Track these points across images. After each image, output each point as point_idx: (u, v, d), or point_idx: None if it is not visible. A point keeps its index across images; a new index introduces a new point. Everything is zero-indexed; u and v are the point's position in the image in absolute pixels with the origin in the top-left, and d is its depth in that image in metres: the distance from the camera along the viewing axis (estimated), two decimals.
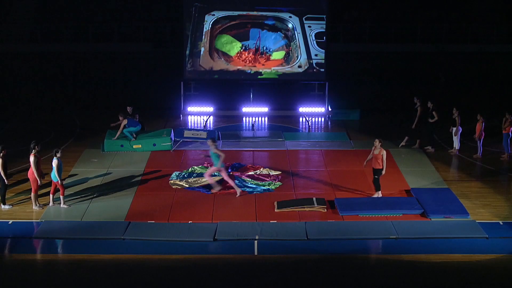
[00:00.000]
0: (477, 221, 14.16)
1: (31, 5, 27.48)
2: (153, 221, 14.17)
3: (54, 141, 19.24)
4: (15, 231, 13.81)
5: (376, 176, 15.32)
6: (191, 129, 20.32)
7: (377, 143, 15.22)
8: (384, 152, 15.20)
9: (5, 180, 14.64)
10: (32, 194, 14.74)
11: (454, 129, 18.81)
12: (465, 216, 14.40)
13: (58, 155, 14.58)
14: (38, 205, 14.79)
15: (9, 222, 14.16)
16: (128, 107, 19.33)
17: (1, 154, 14.51)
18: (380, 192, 15.46)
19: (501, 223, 14.15)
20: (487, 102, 23.37)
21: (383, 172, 15.28)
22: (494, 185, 16.59)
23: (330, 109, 23.47)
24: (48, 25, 26.24)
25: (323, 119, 23.33)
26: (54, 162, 14.47)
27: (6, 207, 14.80)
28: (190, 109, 23.49)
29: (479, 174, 17.55)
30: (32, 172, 14.52)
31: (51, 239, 13.37)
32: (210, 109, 23.46)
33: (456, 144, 19.04)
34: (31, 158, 14.48)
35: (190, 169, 17.40)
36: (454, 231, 13.65)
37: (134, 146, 18.92)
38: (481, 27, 26.68)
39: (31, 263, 12.70)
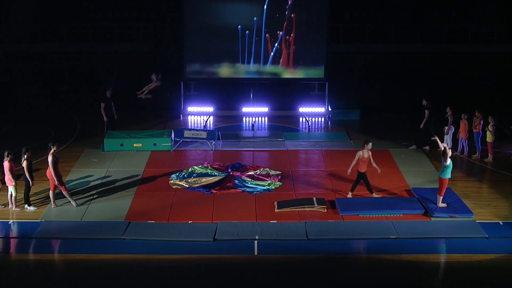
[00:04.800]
0: (477, 221, 14.16)
1: (31, 5, 27.46)
2: (153, 221, 14.18)
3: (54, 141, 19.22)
4: (15, 231, 13.83)
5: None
6: (191, 129, 20.32)
7: (370, 146, 15.09)
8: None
9: (30, 182, 14.68)
10: (51, 192, 14.79)
11: (446, 128, 18.89)
12: (469, 215, 14.41)
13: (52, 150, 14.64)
14: (55, 204, 14.84)
15: (9, 222, 14.17)
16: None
17: (25, 156, 14.59)
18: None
19: (501, 223, 14.15)
20: (487, 102, 23.34)
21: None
22: (494, 185, 16.59)
23: (330, 109, 23.48)
24: (48, 25, 26.23)
25: (323, 119, 23.34)
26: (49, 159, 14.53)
27: (32, 208, 14.79)
28: (190, 109, 23.51)
29: (479, 174, 17.56)
30: (50, 172, 14.54)
31: (51, 239, 13.37)
32: (210, 109, 23.48)
33: (447, 143, 19.09)
34: (49, 158, 14.50)
35: (190, 169, 17.40)
36: (454, 231, 13.65)
37: (134, 145, 18.95)
38: (481, 27, 26.68)
39: (31, 263, 12.71)
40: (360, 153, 15.08)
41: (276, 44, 22.57)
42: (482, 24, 27.06)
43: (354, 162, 15.17)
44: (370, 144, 15.14)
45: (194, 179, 16.60)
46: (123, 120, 21.07)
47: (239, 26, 22.42)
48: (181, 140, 19.47)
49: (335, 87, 23.86)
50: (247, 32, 22.47)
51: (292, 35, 22.47)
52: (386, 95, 25.61)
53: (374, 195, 15.50)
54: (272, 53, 22.68)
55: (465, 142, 18.64)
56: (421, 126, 19.06)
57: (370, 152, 15.10)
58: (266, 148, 19.53)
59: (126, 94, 20.94)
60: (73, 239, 13.38)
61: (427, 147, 19.27)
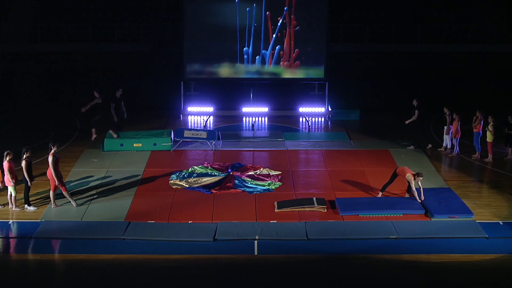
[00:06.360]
0: (477, 221, 14.16)
1: (31, 5, 27.46)
2: (153, 221, 14.18)
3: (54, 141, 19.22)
4: (15, 231, 13.83)
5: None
6: (191, 129, 20.33)
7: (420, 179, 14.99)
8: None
9: (28, 182, 14.69)
10: (51, 192, 14.81)
11: (445, 127, 18.93)
12: (469, 215, 14.41)
13: (53, 150, 14.65)
14: (55, 204, 14.86)
15: (9, 222, 14.17)
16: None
17: (24, 156, 14.60)
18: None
19: (501, 223, 14.15)
20: (487, 102, 23.33)
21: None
22: (494, 185, 16.59)
23: (330, 109, 23.48)
24: (48, 25, 26.24)
25: (323, 119, 23.34)
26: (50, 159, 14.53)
27: (32, 208, 14.80)
28: (190, 109, 23.52)
29: (479, 174, 17.56)
30: (51, 172, 14.55)
31: (51, 239, 13.37)
32: (210, 109, 23.48)
33: (446, 143, 19.12)
34: (49, 158, 14.52)
35: (190, 169, 17.40)
36: (454, 231, 13.65)
37: (134, 145, 18.96)
38: (481, 27, 26.68)
39: (31, 263, 12.71)
40: (411, 178, 14.92)
41: (278, 24, 22.44)
42: (482, 24, 27.04)
43: (413, 186, 15.00)
44: (421, 178, 14.94)
45: (194, 179, 16.60)
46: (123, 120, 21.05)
47: (236, 0, 22.32)
48: (181, 140, 19.47)
49: (335, 87, 23.85)
50: (247, 9, 22.33)
51: (293, 21, 22.39)
52: (386, 95, 25.60)
53: (380, 195, 15.51)
54: (274, 35, 22.51)
55: (456, 141, 18.68)
56: (418, 127, 19.13)
57: (414, 181, 14.96)
58: (266, 148, 19.53)
59: (126, 94, 20.89)
60: (73, 239, 13.38)
61: (430, 145, 19.28)
